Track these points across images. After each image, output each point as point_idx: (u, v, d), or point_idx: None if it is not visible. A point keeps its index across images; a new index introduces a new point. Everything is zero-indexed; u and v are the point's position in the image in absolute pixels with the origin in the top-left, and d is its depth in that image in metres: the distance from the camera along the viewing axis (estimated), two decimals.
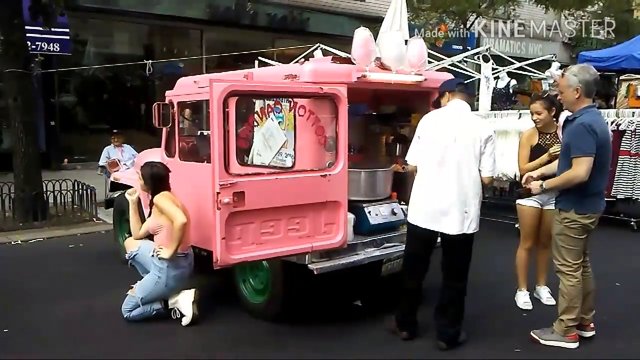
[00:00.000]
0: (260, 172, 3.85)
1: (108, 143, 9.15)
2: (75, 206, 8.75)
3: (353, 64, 4.20)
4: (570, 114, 3.79)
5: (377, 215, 4.38)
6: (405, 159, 4.01)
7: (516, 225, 7.47)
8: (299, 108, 3.93)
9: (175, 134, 4.96)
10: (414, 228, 3.87)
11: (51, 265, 6.18)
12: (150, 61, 8.62)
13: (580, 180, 3.60)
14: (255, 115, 4.33)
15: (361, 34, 4.13)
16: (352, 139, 4.46)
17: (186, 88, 4.92)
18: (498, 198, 9.36)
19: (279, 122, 4.22)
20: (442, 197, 3.72)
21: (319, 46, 9.39)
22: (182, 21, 12.62)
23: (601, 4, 16.77)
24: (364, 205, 4.43)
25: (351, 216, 4.17)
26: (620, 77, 11.66)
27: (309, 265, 3.94)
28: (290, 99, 4.03)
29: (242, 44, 12.69)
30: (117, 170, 7.42)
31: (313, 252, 3.91)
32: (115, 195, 6.48)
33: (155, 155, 5.53)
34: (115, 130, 9.33)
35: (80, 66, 10.93)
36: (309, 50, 9.55)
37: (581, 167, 3.58)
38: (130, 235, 6.04)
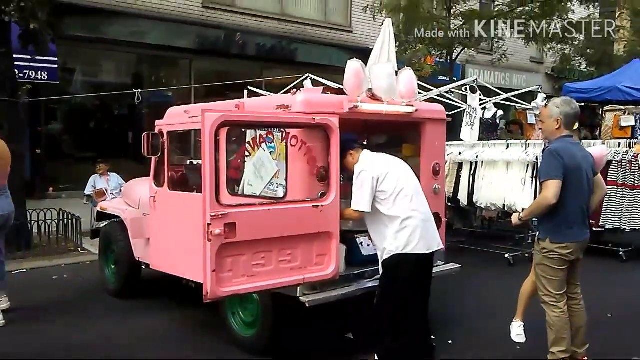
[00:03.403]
0: (251, 203, 3.79)
1: (94, 172, 9.04)
2: (60, 236, 8.59)
3: (344, 94, 4.22)
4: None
5: (369, 245, 4.34)
6: (362, 209, 3.87)
7: (506, 255, 7.49)
8: (291, 138, 3.91)
9: (164, 163, 4.91)
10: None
11: (34, 297, 6.01)
12: (139, 90, 8.59)
13: (548, 203, 3.64)
14: (247, 145, 4.31)
15: (353, 65, 4.16)
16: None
17: (176, 117, 4.90)
18: (487, 228, 9.38)
19: (270, 152, 4.20)
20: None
21: (308, 76, 9.44)
22: (171, 51, 12.66)
23: (582, 37, 17.16)
24: (355, 235, 4.39)
25: (343, 247, 4.13)
26: (605, 108, 11.90)
27: (300, 298, 3.87)
28: (282, 129, 4.02)
29: (230, 73, 12.72)
30: (104, 200, 7.32)
31: (305, 284, 3.85)
32: (102, 225, 6.37)
33: (144, 183, 5.47)
34: (99, 159, 9.24)
35: (67, 94, 10.87)
36: (298, 80, 9.60)
37: (548, 190, 3.63)
38: (116, 266, 5.97)
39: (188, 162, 5.93)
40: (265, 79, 11.64)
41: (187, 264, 4.42)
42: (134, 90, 8.65)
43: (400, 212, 3.83)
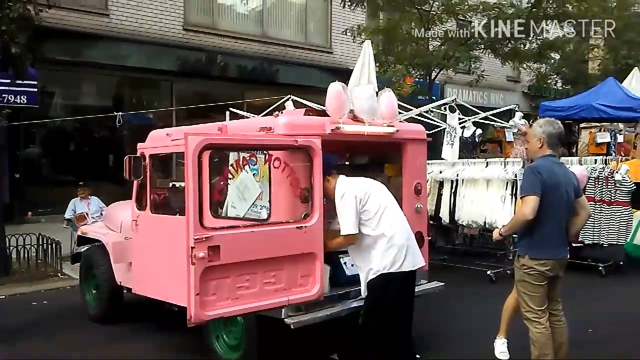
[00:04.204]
0: (235, 225, 3.80)
1: (74, 195, 8.95)
2: (39, 261, 8.45)
3: (326, 115, 4.27)
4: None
5: (352, 265, 4.35)
6: (351, 232, 3.86)
7: (488, 272, 7.56)
8: (274, 160, 3.95)
9: (147, 186, 4.89)
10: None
11: (13, 323, 5.90)
12: (120, 113, 8.57)
13: (525, 218, 3.71)
14: (230, 168, 4.33)
15: (335, 87, 4.22)
16: None
17: (159, 141, 4.90)
18: (469, 245, 9.45)
19: (253, 174, 4.22)
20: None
21: (290, 97, 9.51)
22: (152, 73, 12.68)
23: (558, 57, 17.60)
24: (339, 256, 4.41)
25: (327, 267, 4.14)
26: (581, 125, 12.15)
27: (285, 320, 3.87)
28: (265, 151, 4.05)
29: (212, 94, 12.76)
30: (85, 224, 7.24)
31: (289, 305, 3.85)
32: (82, 250, 6.30)
33: (126, 207, 5.44)
34: (81, 183, 9.16)
35: (47, 118, 10.78)
36: (279, 102, 9.66)
37: (526, 206, 3.71)
38: (97, 290, 5.90)
39: (170, 184, 5.91)
40: (247, 100, 11.69)
41: (171, 287, 4.38)
42: (115, 113, 8.62)
43: (385, 231, 3.85)
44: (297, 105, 9.07)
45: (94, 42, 11.66)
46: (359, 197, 3.89)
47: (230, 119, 9.45)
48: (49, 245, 8.51)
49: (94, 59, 11.64)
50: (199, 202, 3.39)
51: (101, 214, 7.81)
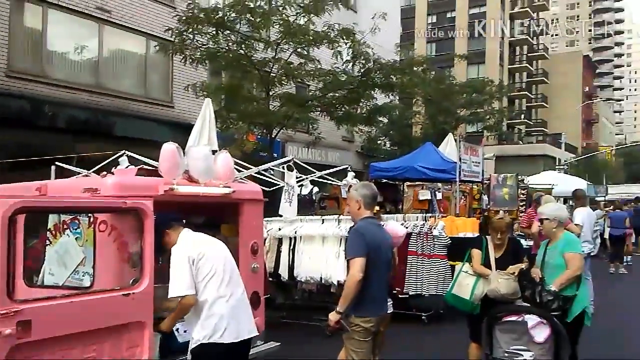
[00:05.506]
0: (52, 296, 3.46)
1: None
2: None
3: (161, 176, 4.17)
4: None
5: (186, 332, 4.18)
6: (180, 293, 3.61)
7: (323, 327, 7.73)
8: (100, 223, 3.72)
9: None
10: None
11: None
12: None
13: (356, 280, 3.85)
14: (48, 233, 3.98)
15: (168, 148, 4.16)
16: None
17: None
18: (306, 300, 9.62)
19: (76, 238, 3.93)
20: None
21: (124, 153, 9.08)
22: None
23: (386, 121, 19.31)
24: None
25: (157, 335, 3.93)
26: (406, 184, 13.32)
27: None
28: (89, 214, 3.80)
29: (37, 146, 11.72)
30: None
31: None
32: None
33: None
34: None
35: None
36: (113, 157, 9.17)
37: (354, 268, 3.89)
38: None
39: None
40: (77, 154, 10.91)
41: None
42: None
43: (208, 297, 3.66)
44: (132, 160, 8.68)
45: None
46: (191, 258, 3.66)
47: (56, 174, 8.73)
48: None
49: None
50: (7, 271, 3.04)
51: None
